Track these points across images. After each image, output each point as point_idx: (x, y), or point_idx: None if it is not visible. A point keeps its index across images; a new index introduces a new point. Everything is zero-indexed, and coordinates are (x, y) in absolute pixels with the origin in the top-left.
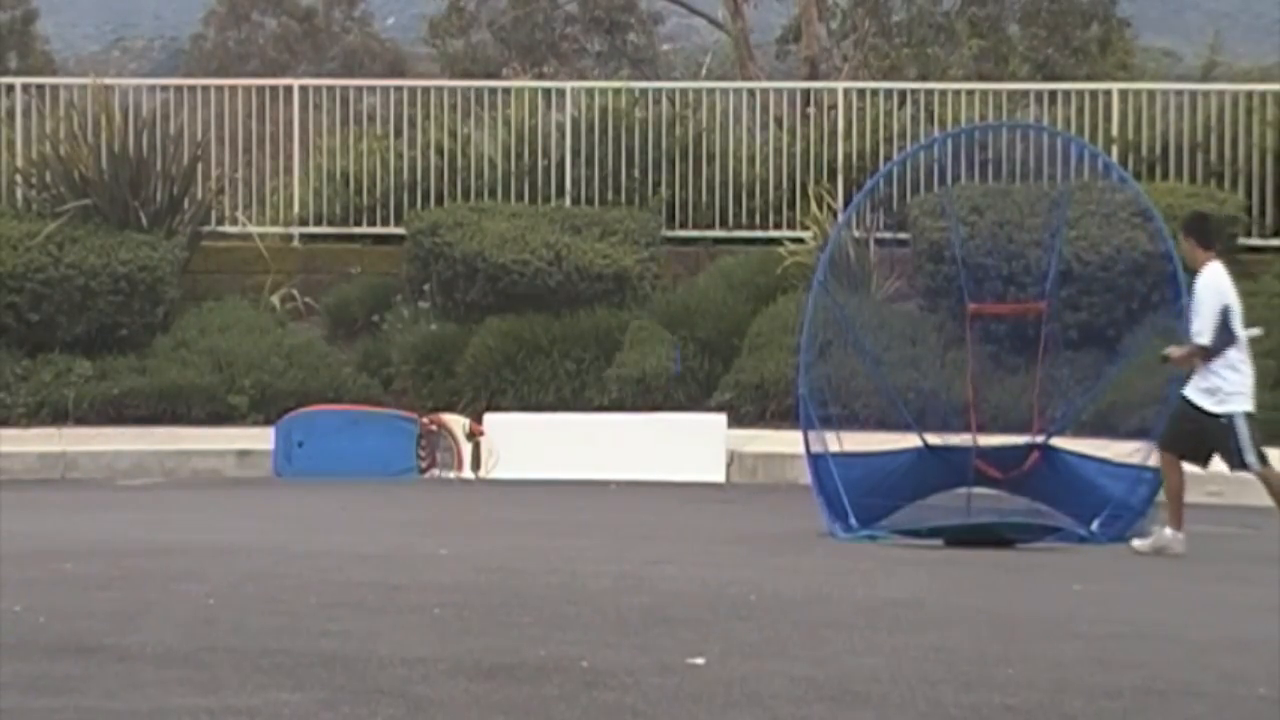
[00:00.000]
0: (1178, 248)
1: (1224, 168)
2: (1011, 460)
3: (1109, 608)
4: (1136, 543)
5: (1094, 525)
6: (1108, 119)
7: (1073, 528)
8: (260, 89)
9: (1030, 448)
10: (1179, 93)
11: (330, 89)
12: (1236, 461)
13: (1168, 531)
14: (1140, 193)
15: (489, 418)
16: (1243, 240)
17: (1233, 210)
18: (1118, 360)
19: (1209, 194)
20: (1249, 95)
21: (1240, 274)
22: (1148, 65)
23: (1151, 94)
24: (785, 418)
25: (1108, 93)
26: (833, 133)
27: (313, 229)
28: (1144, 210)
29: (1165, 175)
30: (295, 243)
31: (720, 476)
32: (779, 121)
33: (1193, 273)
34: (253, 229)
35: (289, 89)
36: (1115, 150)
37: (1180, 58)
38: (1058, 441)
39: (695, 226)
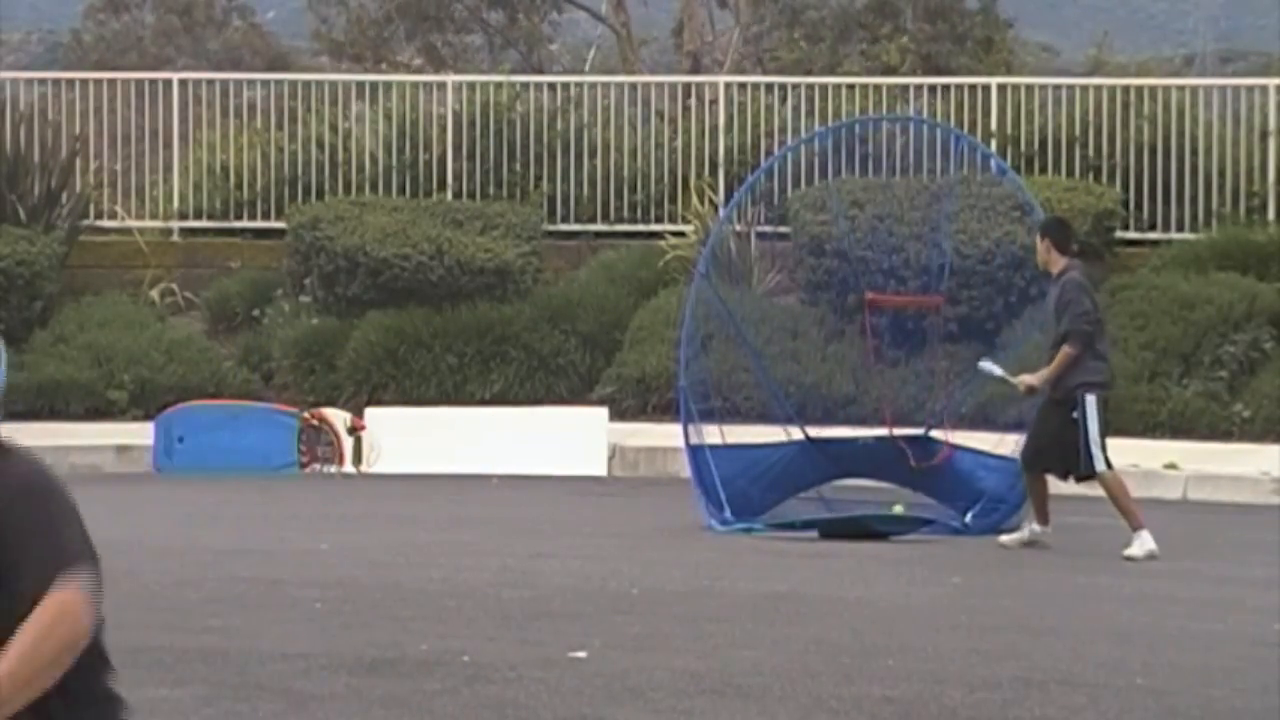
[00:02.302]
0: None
1: (1101, 162)
2: (918, 452)
3: (987, 600)
4: (1004, 538)
5: (968, 517)
6: (987, 113)
7: (946, 520)
8: (140, 82)
9: (934, 443)
10: (1057, 87)
11: (210, 82)
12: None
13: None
14: (1020, 186)
15: (370, 412)
16: (1119, 234)
17: (1110, 204)
18: (997, 353)
19: (1086, 188)
20: (1126, 90)
21: (1117, 267)
22: (1026, 60)
23: (1030, 88)
24: (667, 411)
25: (987, 87)
26: (714, 127)
27: (192, 223)
28: (1023, 204)
29: (1044, 169)
30: (175, 237)
31: (602, 470)
32: (660, 115)
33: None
34: (132, 223)
35: (168, 83)
36: (994, 144)
37: (1058, 52)
38: (938, 434)
39: (577, 220)
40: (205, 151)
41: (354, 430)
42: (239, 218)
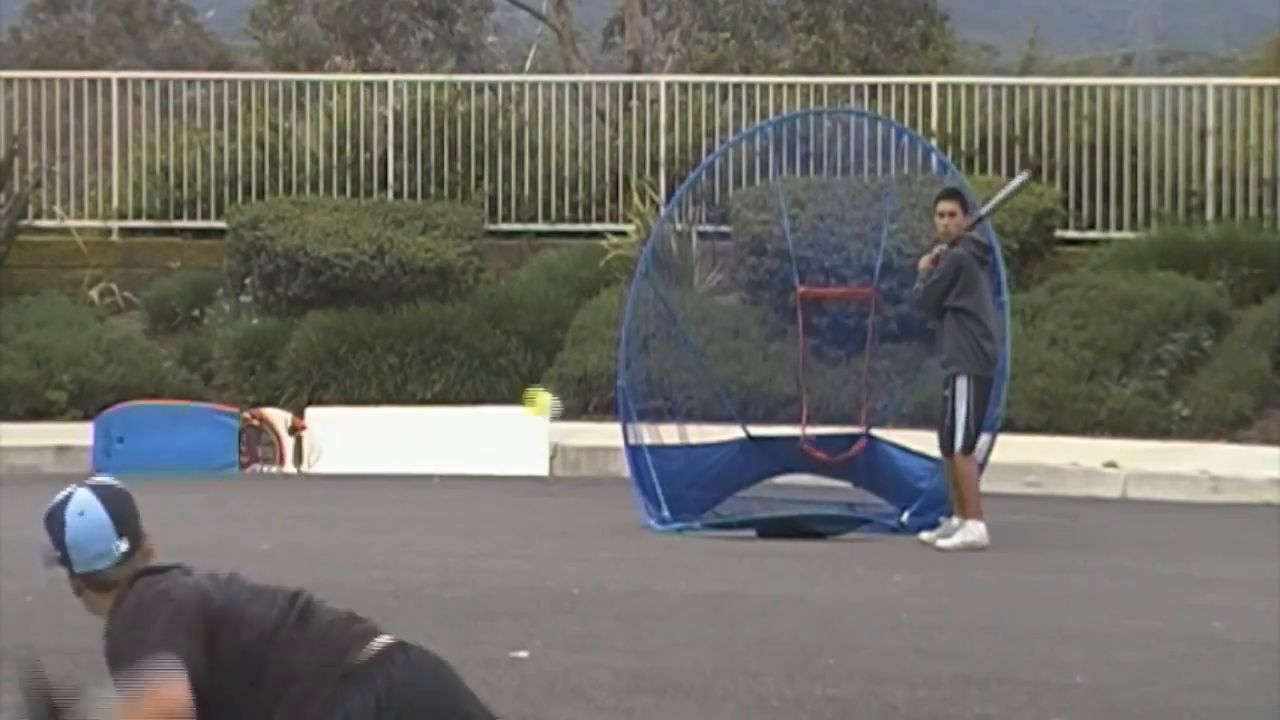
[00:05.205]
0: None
1: (1041, 161)
2: (836, 446)
3: (928, 598)
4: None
5: (905, 516)
6: (927, 113)
7: (882, 519)
8: (79, 82)
9: (855, 435)
10: (997, 87)
11: (150, 82)
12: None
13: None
14: (963, 182)
15: (311, 412)
16: (1060, 233)
17: (1050, 203)
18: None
19: (1027, 187)
20: (1065, 89)
21: (1057, 266)
22: (966, 59)
23: (970, 88)
24: (608, 411)
25: (927, 87)
26: (655, 126)
27: (132, 223)
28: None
29: (984, 169)
30: (114, 237)
31: (543, 470)
32: (602, 115)
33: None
34: (71, 223)
35: (108, 82)
36: (935, 144)
37: (998, 51)
38: (879, 432)
39: (518, 220)
40: (145, 151)
41: (295, 430)
42: (179, 217)
